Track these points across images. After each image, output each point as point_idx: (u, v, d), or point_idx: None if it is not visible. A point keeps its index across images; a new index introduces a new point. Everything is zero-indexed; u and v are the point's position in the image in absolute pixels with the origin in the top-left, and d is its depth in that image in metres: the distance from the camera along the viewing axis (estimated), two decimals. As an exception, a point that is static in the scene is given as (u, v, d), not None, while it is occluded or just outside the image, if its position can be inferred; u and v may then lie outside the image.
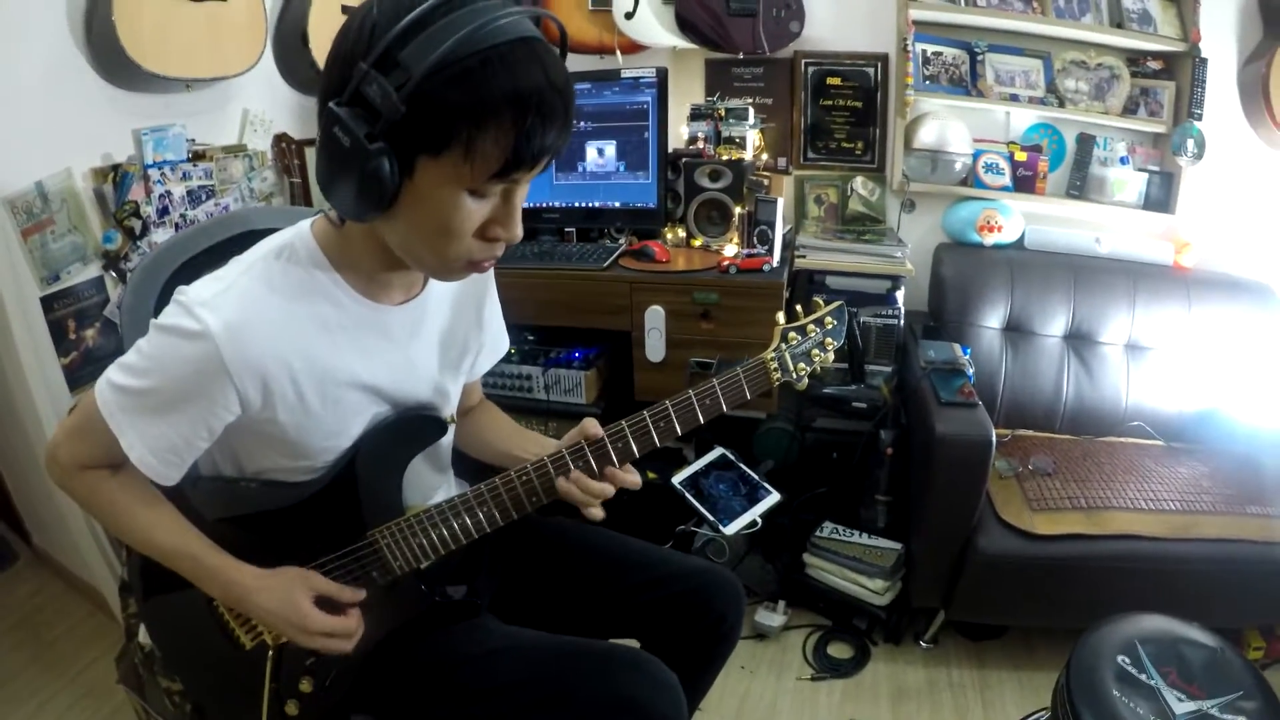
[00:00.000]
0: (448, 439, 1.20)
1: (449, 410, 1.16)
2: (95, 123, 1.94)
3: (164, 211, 2.07)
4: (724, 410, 1.08)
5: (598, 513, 1.06)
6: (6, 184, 1.78)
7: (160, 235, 2.04)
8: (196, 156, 2.15)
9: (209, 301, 0.88)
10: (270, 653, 1.08)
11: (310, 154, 2.38)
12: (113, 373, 0.93)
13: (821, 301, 1.15)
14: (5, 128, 1.76)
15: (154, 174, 2.04)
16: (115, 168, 1.96)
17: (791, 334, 1.12)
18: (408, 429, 1.08)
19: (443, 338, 1.12)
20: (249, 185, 2.30)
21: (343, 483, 1.04)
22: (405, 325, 1.05)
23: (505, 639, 1.13)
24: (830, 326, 1.14)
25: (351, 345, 0.99)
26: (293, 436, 0.98)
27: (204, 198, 2.17)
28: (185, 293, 0.90)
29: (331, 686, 1.09)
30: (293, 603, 0.99)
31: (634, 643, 1.28)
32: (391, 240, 0.91)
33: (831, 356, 1.15)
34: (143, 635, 1.30)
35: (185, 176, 2.12)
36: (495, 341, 1.30)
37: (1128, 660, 1.33)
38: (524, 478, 1.05)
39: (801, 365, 1.12)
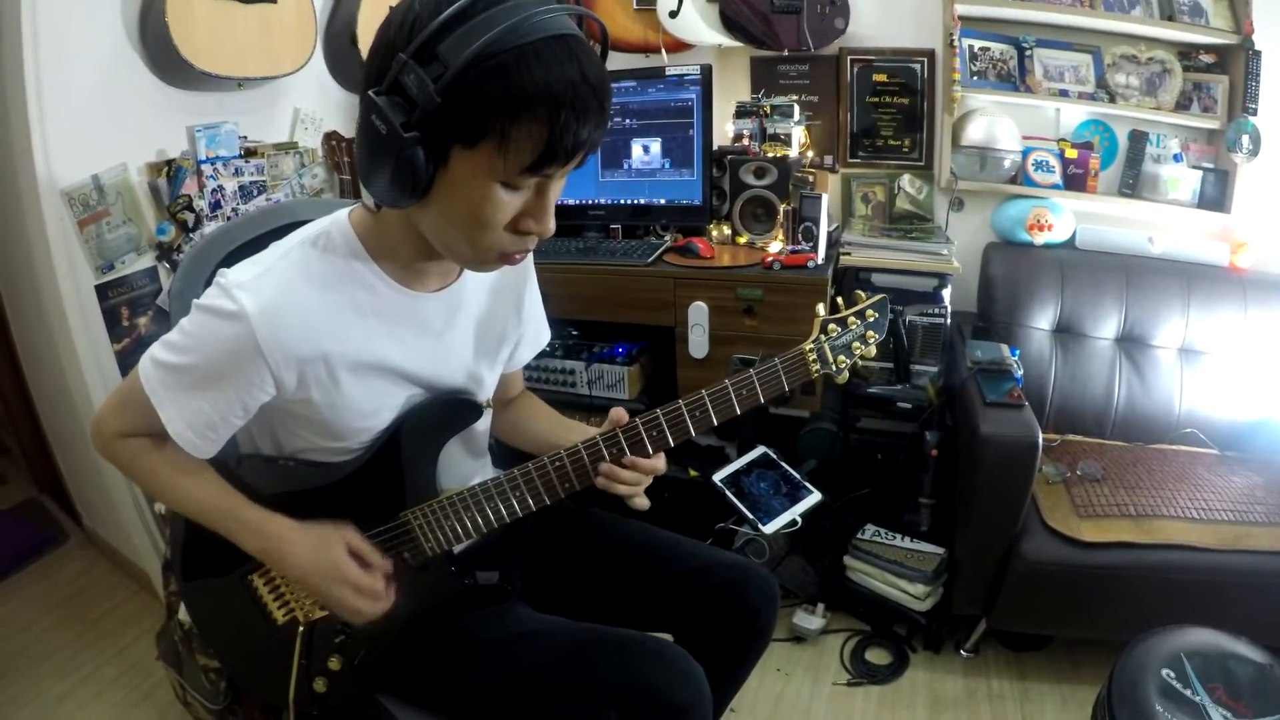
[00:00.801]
0: (483, 424, 1.21)
1: (484, 397, 1.17)
2: (150, 120, 2.00)
3: (216, 205, 2.12)
4: (761, 401, 1.07)
5: (642, 502, 1.07)
6: (64, 177, 1.84)
7: (212, 228, 2.09)
8: (248, 153, 2.20)
9: (246, 284, 0.91)
10: (300, 629, 1.10)
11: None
12: (156, 349, 0.97)
13: (864, 295, 1.14)
14: (64, 124, 1.82)
15: (207, 169, 2.09)
16: (169, 163, 2.02)
17: (831, 326, 1.10)
18: (443, 412, 1.10)
19: (479, 326, 1.13)
20: (299, 181, 2.35)
21: (377, 463, 1.05)
22: (440, 313, 1.07)
23: (530, 625, 1.14)
24: (872, 319, 1.12)
25: (386, 331, 1.01)
26: (327, 417, 1.00)
27: (255, 193, 2.22)
28: (225, 275, 0.93)
29: (360, 666, 1.10)
30: (327, 553, 1.01)
31: (668, 636, 1.27)
32: (426, 229, 0.92)
33: (873, 350, 1.13)
34: (183, 613, 1.33)
35: (237, 172, 2.17)
36: (536, 332, 1.31)
37: (1172, 674, 1.28)
38: (557, 464, 1.05)
39: (842, 358, 1.10)
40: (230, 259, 1.24)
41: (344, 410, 1.01)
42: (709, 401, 1.05)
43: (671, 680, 1.05)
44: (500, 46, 0.76)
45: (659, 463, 1.07)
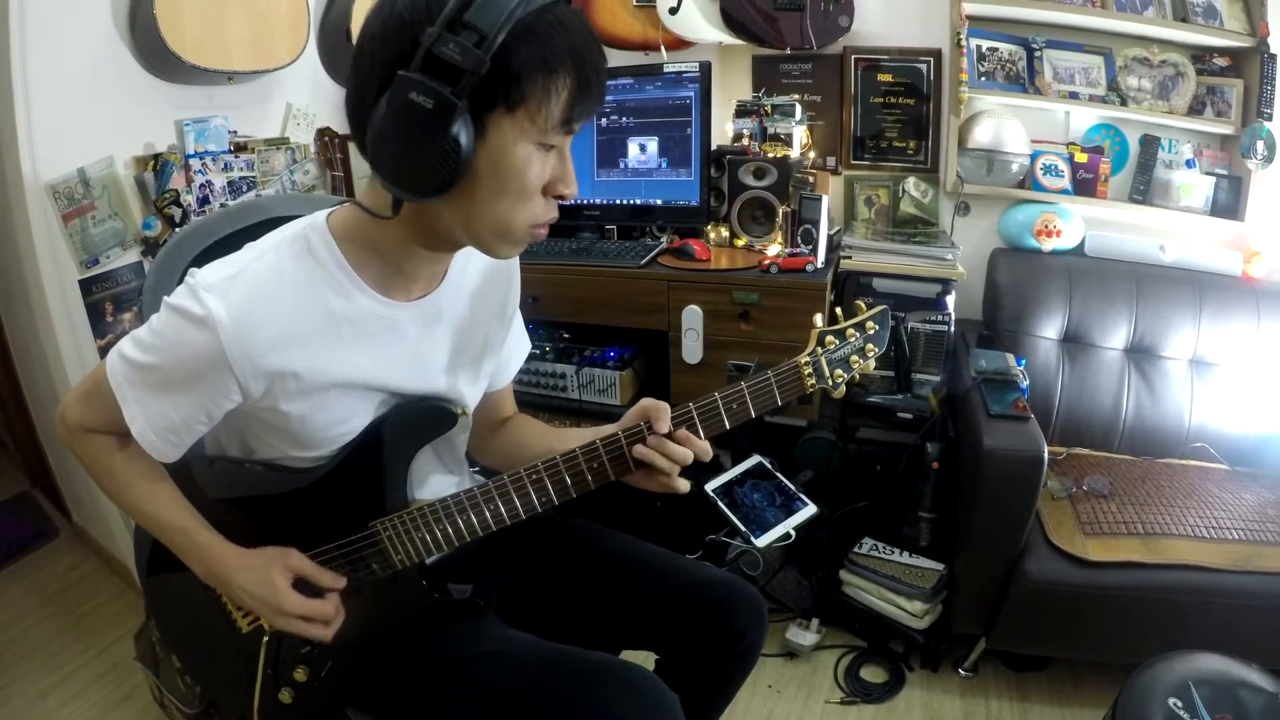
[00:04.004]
0: (459, 436, 1.18)
1: (460, 408, 1.12)
2: (138, 113, 1.98)
3: (204, 201, 2.09)
4: (752, 416, 1.03)
5: (681, 484, 1.03)
6: (49, 170, 1.83)
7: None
8: (238, 148, 2.18)
9: (215, 286, 0.88)
10: (265, 638, 1.07)
11: (353, 148, 2.38)
12: (125, 345, 0.95)
13: (864, 305, 1.09)
14: (50, 116, 1.81)
15: (195, 164, 2.06)
16: (156, 157, 1.99)
17: (829, 338, 1.05)
18: (416, 419, 1.06)
19: (458, 337, 1.09)
20: (291, 178, 2.32)
21: (346, 471, 1.02)
22: (418, 321, 1.03)
23: (499, 643, 1.10)
24: (871, 332, 1.07)
25: (359, 340, 0.97)
26: (296, 427, 0.97)
27: (245, 189, 2.19)
28: (194, 275, 0.90)
29: (327, 678, 1.08)
30: (270, 582, 0.99)
31: (650, 654, 1.25)
32: (452, 218, 0.90)
33: (873, 364, 1.08)
34: (156, 616, 1.31)
35: (226, 167, 2.14)
36: (518, 342, 1.27)
37: (1180, 703, 1.23)
38: (534, 476, 1.02)
39: (839, 372, 1.06)
40: (205, 255, 1.22)
41: (313, 420, 0.97)
42: (697, 415, 1.02)
43: (642, 711, 1.01)
44: (524, 10, 0.79)
45: (706, 445, 1.03)
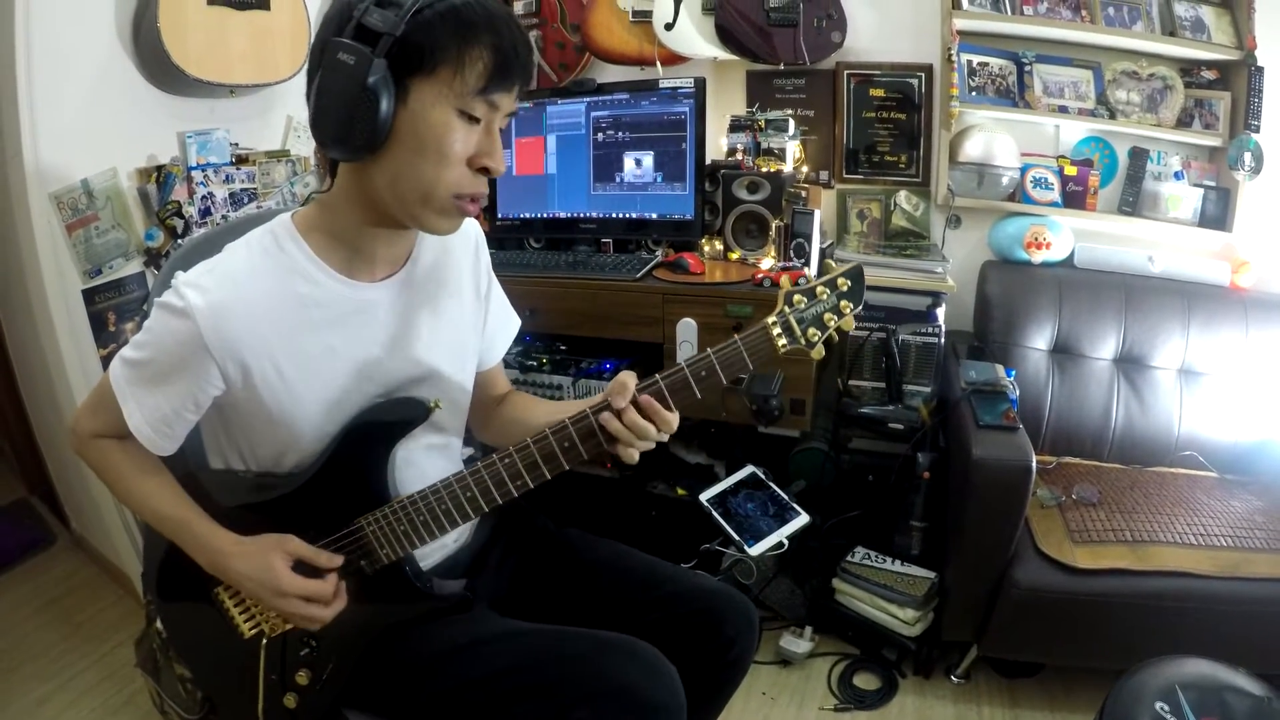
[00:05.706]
0: (453, 424, 1.21)
1: (438, 390, 1.15)
2: (141, 125, 2.01)
3: (206, 212, 2.12)
4: (723, 382, 1.02)
5: (633, 454, 1.03)
6: (54, 180, 1.85)
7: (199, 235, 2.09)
8: (240, 160, 2.20)
9: (193, 280, 0.97)
10: (264, 642, 1.09)
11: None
12: (125, 348, 1.03)
13: (834, 263, 1.09)
14: (54, 127, 1.83)
15: (197, 176, 2.09)
16: (159, 168, 2.02)
17: (797, 296, 1.03)
18: (387, 414, 1.08)
19: (432, 314, 1.13)
20: (291, 190, 2.34)
21: (328, 471, 1.06)
22: (386, 302, 1.08)
23: (497, 628, 1.12)
24: (845, 289, 1.03)
25: (330, 323, 1.03)
26: (278, 418, 1.02)
27: (246, 200, 2.22)
28: (178, 275, 0.98)
29: (329, 680, 1.09)
30: (268, 565, 1.01)
31: None
32: (380, 183, 0.95)
33: (851, 322, 1.05)
34: (160, 622, 1.32)
35: (228, 179, 2.17)
36: (503, 319, 1.30)
37: (1166, 707, 1.24)
38: (506, 460, 1.04)
39: (813, 331, 1.02)
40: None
41: (294, 411, 1.02)
42: (664, 385, 1.01)
43: (645, 679, 1.03)
44: None
45: (674, 417, 1.02)
